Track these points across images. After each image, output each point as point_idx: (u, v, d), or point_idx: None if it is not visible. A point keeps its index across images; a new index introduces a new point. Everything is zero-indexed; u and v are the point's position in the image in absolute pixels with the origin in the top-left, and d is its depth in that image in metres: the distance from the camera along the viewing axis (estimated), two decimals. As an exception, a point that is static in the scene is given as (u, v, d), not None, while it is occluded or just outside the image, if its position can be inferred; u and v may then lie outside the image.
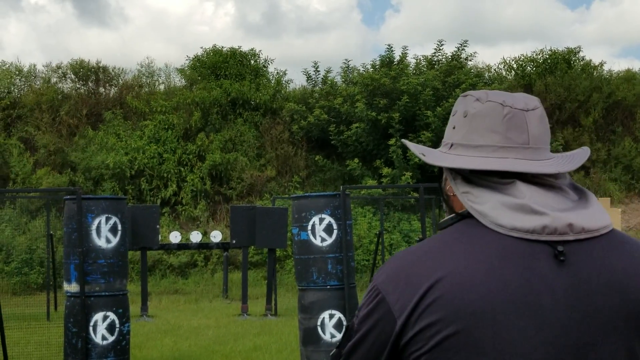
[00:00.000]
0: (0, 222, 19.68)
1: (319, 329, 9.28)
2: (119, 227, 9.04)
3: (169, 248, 17.15)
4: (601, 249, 1.53)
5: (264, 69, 25.55)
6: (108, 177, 20.90)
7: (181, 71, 25.52)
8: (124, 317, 9.04)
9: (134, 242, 14.10)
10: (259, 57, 25.53)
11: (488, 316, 1.46)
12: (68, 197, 9.23)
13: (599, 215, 1.55)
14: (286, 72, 26.09)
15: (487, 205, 1.55)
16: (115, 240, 9.01)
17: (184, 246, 16.87)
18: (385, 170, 21.24)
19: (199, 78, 24.63)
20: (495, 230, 1.52)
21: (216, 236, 17.27)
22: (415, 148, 1.71)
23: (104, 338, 8.87)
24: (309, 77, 25.38)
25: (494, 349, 1.46)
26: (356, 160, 21.75)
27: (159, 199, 21.44)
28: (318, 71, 25.17)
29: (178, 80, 25.63)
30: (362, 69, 24.57)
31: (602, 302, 1.49)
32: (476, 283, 1.48)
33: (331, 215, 9.31)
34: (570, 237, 1.51)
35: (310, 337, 9.33)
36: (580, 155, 1.67)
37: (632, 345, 1.50)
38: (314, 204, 9.39)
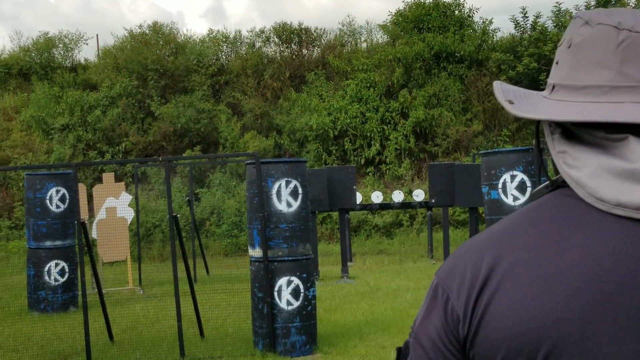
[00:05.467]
0: (212, 185, 20.42)
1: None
2: (300, 190, 8.81)
3: (370, 208, 16.93)
4: None
5: (469, 19, 24.44)
6: (312, 139, 20.98)
7: (383, 27, 25.04)
8: (308, 281, 8.84)
9: (332, 203, 13.99)
10: (463, 7, 24.44)
11: (573, 329, 1.07)
12: (249, 161, 9.14)
13: None
14: (492, 20, 24.81)
15: (585, 171, 1.13)
16: (296, 204, 8.79)
17: (386, 206, 16.56)
18: (603, 120, 19.61)
19: (402, 33, 24.02)
20: (595, 207, 1.11)
21: (419, 195, 16.80)
22: (501, 94, 1.25)
23: (289, 303, 8.72)
24: (517, 24, 23.98)
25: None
26: (570, 110, 20.27)
27: (362, 158, 21.26)
28: (527, 17, 23.70)
29: (380, 37, 25.20)
30: (574, 11, 22.80)
31: None
32: (556, 282, 1.09)
33: (524, 171, 8.52)
34: None
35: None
36: None
37: None
38: (504, 161, 8.64)
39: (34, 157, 21.29)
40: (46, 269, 11.88)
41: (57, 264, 11.94)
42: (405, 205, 16.74)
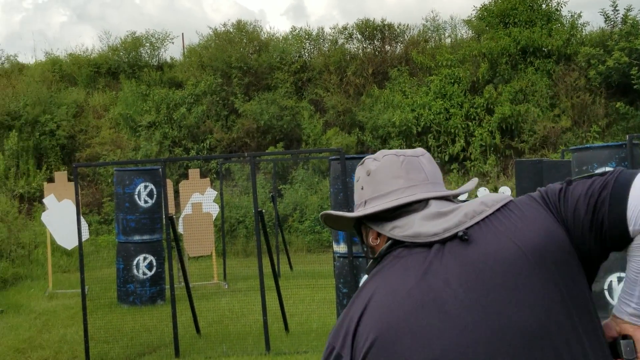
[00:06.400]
0: (294, 182, 20.50)
1: (606, 293, 8.27)
2: (385, 186, 8.71)
3: (455, 205, 16.71)
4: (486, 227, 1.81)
5: (557, 12, 23.83)
6: (395, 135, 20.84)
7: (468, 22, 24.68)
8: (393, 278, 8.73)
9: (416, 200, 13.83)
10: (550, 0, 23.85)
11: (402, 324, 1.70)
12: (333, 157, 9.11)
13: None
14: (581, 14, 24.14)
15: (415, 226, 1.84)
16: (381, 200, 8.71)
17: (470, 203, 16.30)
18: (699, 115, 18.86)
19: (487, 28, 23.61)
20: (424, 244, 1.81)
21: (505, 192, 16.46)
22: (336, 213, 2.02)
23: (374, 300, 8.64)
24: (607, 18, 23.27)
25: (413, 349, 1.67)
26: (664, 105, 19.59)
27: (446, 155, 21.00)
28: (617, 10, 22.97)
29: (465, 32, 24.84)
30: (668, 2, 21.98)
31: (491, 270, 1.72)
32: (391, 300, 1.74)
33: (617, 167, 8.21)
34: (486, 212, 1.82)
35: (597, 301, 8.35)
36: (471, 184, 2.06)
37: (539, 290, 1.70)
38: (596, 156, 8.35)
39: (122, 154, 21.79)
40: (135, 262, 12.12)
41: (145, 258, 12.17)
42: (491, 203, 16.45)
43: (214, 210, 14.49)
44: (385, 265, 1.83)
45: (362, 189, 1.99)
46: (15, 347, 9.35)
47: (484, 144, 20.92)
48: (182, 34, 27.50)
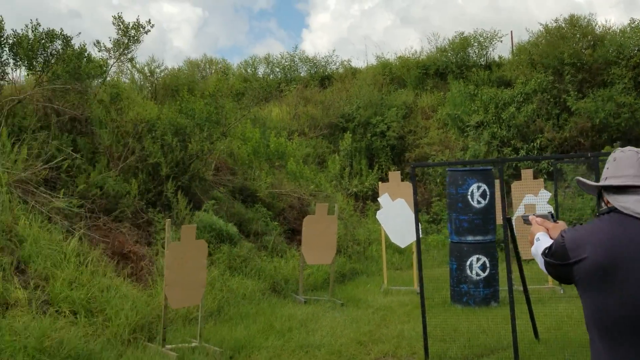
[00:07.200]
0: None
1: None
2: None
3: None
4: None
5: None
6: None
7: None
8: None
9: None
10: None
11: (619, 262, 2.80)
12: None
13: None
14: None
15: (628, 203, 2.93)
16: None
17: None
18: None
19: None
20: (633, 216, 2.89)
21: None
22: (590, 183, 3.19)
23: None
24: None
25: (620, 281, 2.79)
26: None
27: None
28: None
29: None
30: None
31: None
32: (614, 243, 2.84)
33: None
34: None
35: None
36: None
37: None
38: None
39: (450, 154, 21.94)
40: (468, 263, 12.05)
41: (478, 259, 12.05)
42: None
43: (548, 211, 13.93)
44: (608, 219, 2.93)
45: (607, 168, 3.04)
46: (357, 339, 9.72)
47: None
48: (511, 31, 26.99)
